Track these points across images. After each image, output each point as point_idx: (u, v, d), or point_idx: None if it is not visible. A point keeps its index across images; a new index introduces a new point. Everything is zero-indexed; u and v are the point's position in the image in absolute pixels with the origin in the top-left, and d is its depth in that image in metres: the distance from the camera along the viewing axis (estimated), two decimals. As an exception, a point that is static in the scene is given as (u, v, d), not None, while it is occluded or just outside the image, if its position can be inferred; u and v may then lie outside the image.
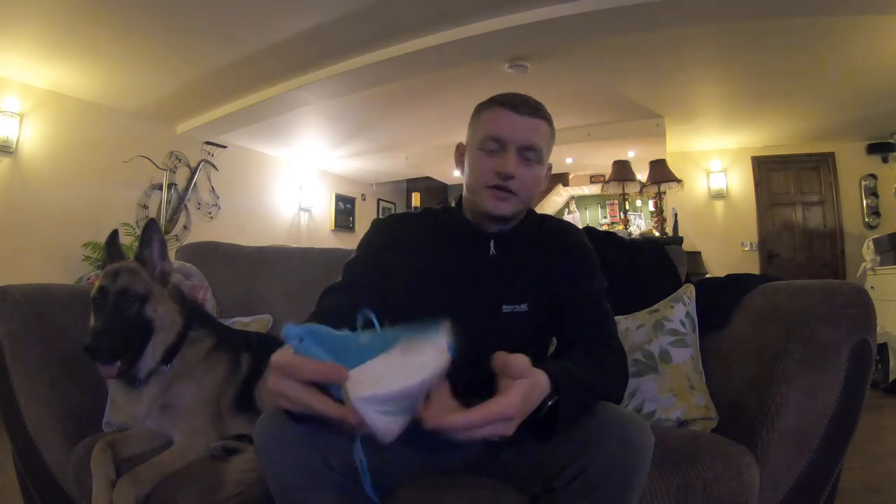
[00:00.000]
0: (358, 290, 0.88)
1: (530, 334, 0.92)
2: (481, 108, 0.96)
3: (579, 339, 0.86)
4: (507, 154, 0.89)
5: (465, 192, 0.98)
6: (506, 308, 0.91)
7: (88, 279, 2.93)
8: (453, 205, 1.02)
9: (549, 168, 0.99)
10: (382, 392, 0.54)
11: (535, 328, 0.92)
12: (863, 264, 3.91)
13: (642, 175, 4.66)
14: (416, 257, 0.93)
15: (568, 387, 0.68)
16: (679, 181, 4.42)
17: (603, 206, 7.59)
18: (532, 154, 0.90)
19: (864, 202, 4.96)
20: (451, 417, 0.59)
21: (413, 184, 7.21)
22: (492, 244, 0.95)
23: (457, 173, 1.09)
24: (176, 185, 4.35)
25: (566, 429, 0.68)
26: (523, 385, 0.63)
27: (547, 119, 0.94)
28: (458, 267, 0.93)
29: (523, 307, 0.91)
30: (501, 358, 0.63)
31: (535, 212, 1.04)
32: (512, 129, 0.90)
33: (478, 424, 0.59)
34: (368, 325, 0.60)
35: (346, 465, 0.71)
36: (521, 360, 0.63)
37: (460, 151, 1.00)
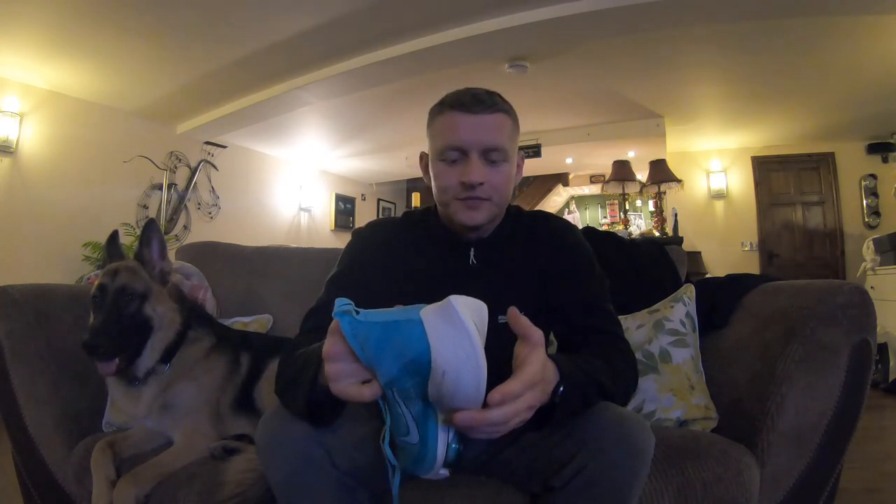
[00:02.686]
0: None
1: None
2: (434, 113, 0.90)
3: (585, 344, 0.83)
4: (469, 161, 0.83)
5: (436, 204, 0.94)
6: (502, 319, 0.87)
7: (88, 279, 2.93)
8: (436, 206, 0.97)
9: (522, 158, 0.94)
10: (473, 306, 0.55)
11: None
12: (863, 264, 3.91)
13: (642, 175, 4.66)
14: (398, 270, 0.90)
15: (572, 374, 0.67)
16: (679, 181, 4.42)
17: (603, 206, 7.61)
18: (496, 154, 0.84)
19: (864, 202, 4.96)
20: (499, 389, 0.57)
21: (413, 184, 7.20)
22: (471, 253, 0.92)
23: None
24: (176, 185, 4.35)
25: (564, 419, 0.67)
26: (541, 354, 0.62)
27: (505, 110, 0.87)
28: (441, 279, 0.89)
29: None
30: (515, 313, 0.61)
31: (522, 209, 1.00)
32: (469, 133, 0.84)
33: (520, 392, 0.58)
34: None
35: (350, 465, 0.70)
36: (536, 330, 0.62)
37: (424, 162, 0.95)
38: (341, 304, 0.55)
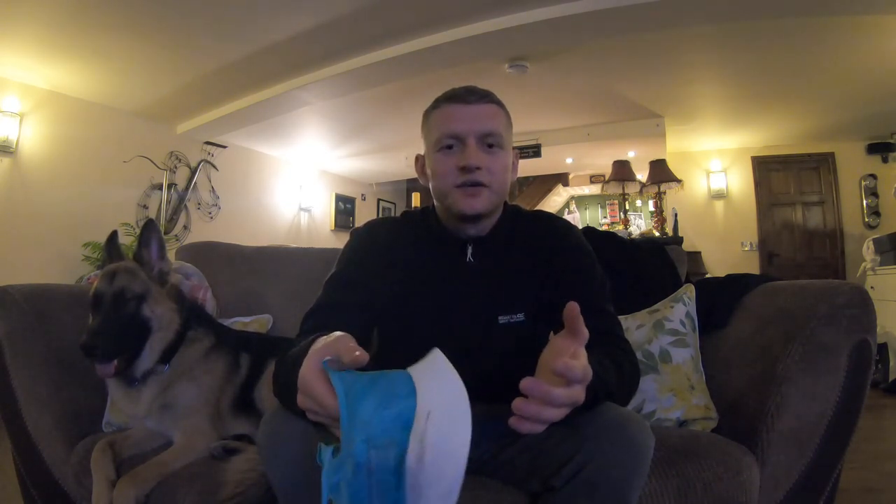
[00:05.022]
0: (341, 309, 0.85)
1: (530, 345, 0.83)
2: (429, 111, 0.92)
3: (586, 345, 0.83)
4: (466, 147, 0.86)
5: (434, 201, 0.94)
6: (502, 319, 0.87)
7: (88, 279, 2.93)
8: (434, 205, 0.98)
9: (517, 157, 0.95)
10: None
11: (534, 339, 0.88)
12: (863, 264, 3.91)
13: (642, 175, 4.66)
14: (396, 270, 0.90)
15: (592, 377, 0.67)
16: (679, 181, 4.42)
17: (603, 206, 7.61)
18: (492, 139, 0.87)
19: (864, 202, 4.97)
20: (564, 361, 0.57)
21: (413, 184, 7.20)
22: (469, 250, 0.92)
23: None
24: (176, 185, 4.35)
25: (567, 417, 0.67)
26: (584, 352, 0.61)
27: (498, 103, 0.90)
28: (439, 278, 0.90)
29: (520, 317, 0.88)
30: (576, 308, 0.61)
31: (522, 209, 1.00)
32: (465, 121, 0.86)
33: (580, 378, 0.58)
34: None
35: None
36: (585, 329, 0.62)
37: (420, 163, 0.96)
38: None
